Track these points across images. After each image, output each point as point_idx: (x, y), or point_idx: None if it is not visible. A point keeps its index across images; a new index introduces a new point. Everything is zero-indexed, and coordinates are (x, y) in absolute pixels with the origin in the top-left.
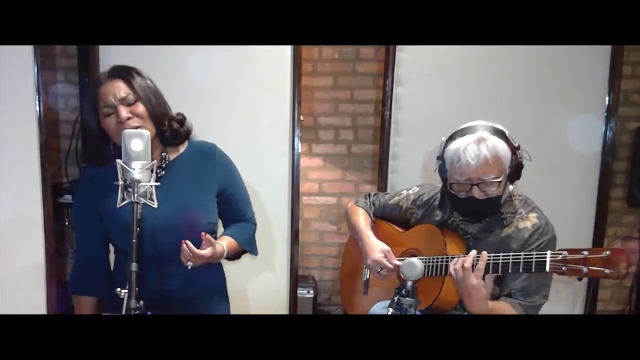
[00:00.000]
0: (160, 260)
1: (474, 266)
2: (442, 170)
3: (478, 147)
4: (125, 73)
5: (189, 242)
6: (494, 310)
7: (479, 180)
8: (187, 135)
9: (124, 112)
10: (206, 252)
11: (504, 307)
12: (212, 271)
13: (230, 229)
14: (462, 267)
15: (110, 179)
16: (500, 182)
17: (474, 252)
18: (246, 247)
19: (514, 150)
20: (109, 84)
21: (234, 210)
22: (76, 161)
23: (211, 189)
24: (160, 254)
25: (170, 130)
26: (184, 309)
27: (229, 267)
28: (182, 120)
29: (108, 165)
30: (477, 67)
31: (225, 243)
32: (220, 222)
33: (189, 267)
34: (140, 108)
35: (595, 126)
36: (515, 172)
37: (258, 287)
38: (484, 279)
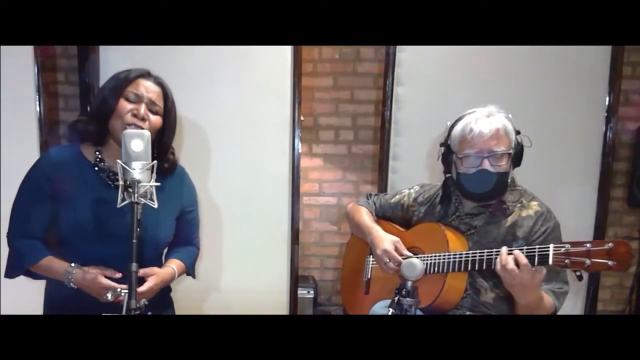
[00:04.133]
0: (111, 267)
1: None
2: (447, 157)
3: (489, 118)
4: (168, 91)
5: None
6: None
7: (490, 152)
8: (175, 165)
9: (143, 110)
10: (143, 288)
11: (543, 295)
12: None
13: (177, 252)
14: (516, 264)
15: (78, 166)
16: (510, 154)
17: (506, 250)
18: (190, 269)
19: (516, 132)
20: (150, 83)
21: (186, 233)
22: None
23: (175, 209)
24: (112, 261)
25: (167, 162)
26: None
27: (229, 267)
28: (174, 152)
29: (89, 143)
30: (477, 67)
31: (175, 266)
32: None
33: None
34: (157, 121)
35: (595, 126)
36: (518, 155)
37: (258, 287)
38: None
